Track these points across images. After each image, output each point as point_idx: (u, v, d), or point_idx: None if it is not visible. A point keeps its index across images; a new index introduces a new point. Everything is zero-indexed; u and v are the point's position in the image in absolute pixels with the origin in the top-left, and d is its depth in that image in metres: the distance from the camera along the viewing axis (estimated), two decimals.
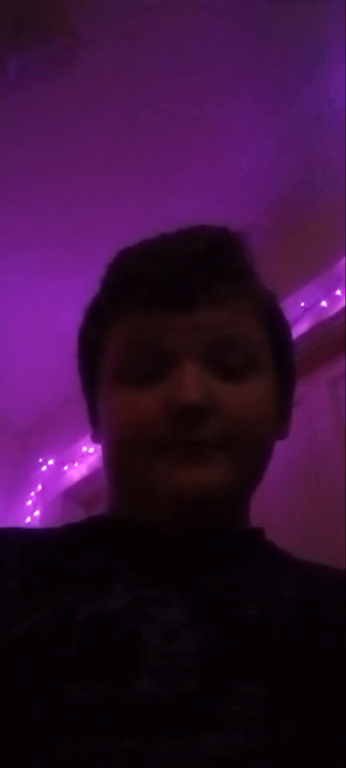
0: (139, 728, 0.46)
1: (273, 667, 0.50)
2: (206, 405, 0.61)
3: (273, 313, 0.71)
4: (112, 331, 0.68)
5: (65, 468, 2.95)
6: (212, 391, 0.62)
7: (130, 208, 2.38)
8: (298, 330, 2.15)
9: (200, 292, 0.64)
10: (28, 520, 2.99)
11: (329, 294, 2.27)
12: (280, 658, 0.51)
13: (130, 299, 0.65)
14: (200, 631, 0.52)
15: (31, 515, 3.02)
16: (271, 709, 0.48)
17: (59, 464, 2.99)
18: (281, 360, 0.70)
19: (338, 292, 2.25)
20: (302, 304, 2.26)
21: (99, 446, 0.73)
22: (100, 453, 0.72)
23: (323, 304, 2.27)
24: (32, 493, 3.07)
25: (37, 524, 2.91)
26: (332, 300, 2.26)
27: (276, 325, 0.71)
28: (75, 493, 2.86)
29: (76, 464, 2.91)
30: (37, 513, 3.02)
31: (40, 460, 3.07)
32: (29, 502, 3.06)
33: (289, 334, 0.74)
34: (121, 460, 0.66)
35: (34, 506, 3.05)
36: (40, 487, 3.05)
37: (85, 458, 2.85)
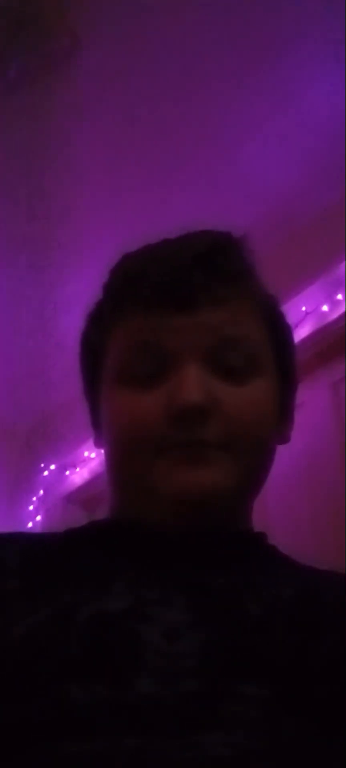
0: (140, 728, 0.46)
1: (273, 667, 0.50)
2: (207, 405, 0.61)
3: (274, 314, 0.71)
4: (113, 333, 0.68)
5: (67, 473, 2.96)
6: (212, 391, 0.62)
7: (130, 208, 2.38)
8: (299, 334, 2.15)
9: (201, 293, 0.64)
10: (30, 524, 2.99)
11: (330, 298, 2.28)
12: (280, 658, 0.51)
13: (132, 300, 0.66)
14: (200, 632, 0.52)
15: (33, 520, 3.02)
16: (271, 709, 0.48)
17: (61, 469, 3.00)
18: (282, 361, 0.70)
19: (340, 296, 2.25)
20: (304, 308, 2.27)
21: (101, 451, 0.73)
22: (102, 457, 0.72)
23: (324, 308, 2.27)
24: (34, 498, 3.08)
25: (39, 529, 2.92)
26: (334, 304, 2.27)
27: (277, 326, 0.71)
28: (77, 497, 2.86)
29: (78, 469, 2.91)
30: (39, 517, 3.03)
31: (42, 464, 3.08)
32: (31, 507, 3.07)
33: (290, 335, 0.74)
34: (121, 461, 0.66)
35: (36, 511, 3.05)
36: (42, 491, 3.06)
37: (87, 463, 2.85)
